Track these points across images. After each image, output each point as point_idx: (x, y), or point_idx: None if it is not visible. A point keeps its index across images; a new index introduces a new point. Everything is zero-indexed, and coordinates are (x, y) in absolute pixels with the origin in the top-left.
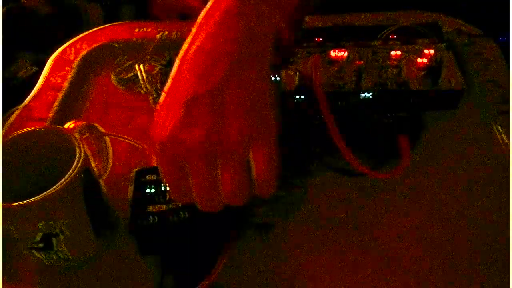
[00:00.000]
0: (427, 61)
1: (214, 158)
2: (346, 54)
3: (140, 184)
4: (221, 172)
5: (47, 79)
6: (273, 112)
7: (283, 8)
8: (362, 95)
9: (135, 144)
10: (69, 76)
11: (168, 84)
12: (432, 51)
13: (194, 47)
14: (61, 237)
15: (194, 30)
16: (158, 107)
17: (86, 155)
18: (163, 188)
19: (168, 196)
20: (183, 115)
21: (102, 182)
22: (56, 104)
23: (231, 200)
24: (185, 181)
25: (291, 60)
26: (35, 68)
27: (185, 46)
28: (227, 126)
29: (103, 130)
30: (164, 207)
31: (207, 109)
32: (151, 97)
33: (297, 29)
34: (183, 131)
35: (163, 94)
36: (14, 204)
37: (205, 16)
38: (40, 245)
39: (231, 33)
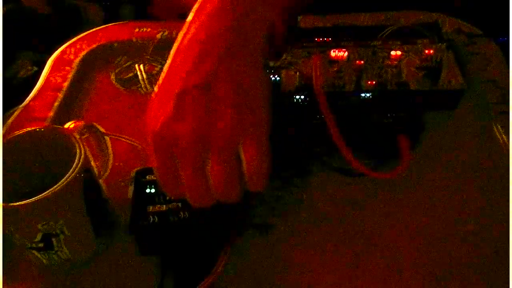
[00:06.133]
0: (427, 61)
1: (203, 150)
2: (346, 54)
3: (140, 184)
4: (211, 165)
5: (47, 79)
6: (265, 105)
7: (277, 0)
8: (362, 95)
9: (135, 144)
10: (69, 76)
11: (162, 76)
12: (432, 51)
13: (186, 40)
14: (61, 237)
15: (187, 22)
16: (151, 99)
17: (86, 155)
18: None
19: (168, 196)
20: (174, 107)
21: (102, 182)
22: (56, 104)
23: (222, 194)
24: (176, 174)
25: (283, 56)
26: (35, 68)
27: (178, 39)
28: (217, 119)
29: (103, 130)
30: (164, 207)
31: (198, 102)
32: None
33: (291, 24)
34: (174, 124)
35: (156, 86)
36: (14, 204)
37: (198, 9)
38: (40, 245)
39: (223, 25)
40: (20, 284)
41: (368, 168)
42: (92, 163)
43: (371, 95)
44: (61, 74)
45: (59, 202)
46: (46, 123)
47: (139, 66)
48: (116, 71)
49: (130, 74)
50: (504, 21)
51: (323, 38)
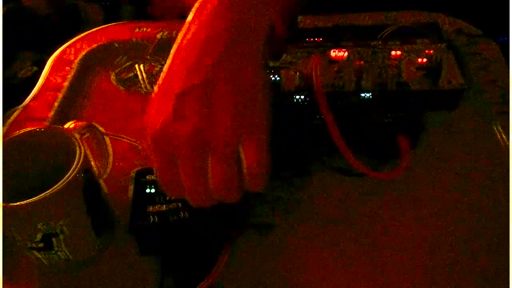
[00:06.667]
0: (427, 61)
1: (203, 151)
2: (346, 54)
3: (140, 184)
4: (211, 165)
5: (47, 79)
6: (264, 105)
7: (277, 0)
8: (362, 95)
9: (135, 144)
10: (69, 76)
11: (161, 76)
12: (432, 51)
13: (186, 40)
14: (61, 237)
15: (187, 23)
16: (151, 99)
17: (86, 155)
18: None
19: (168, 196)
20: (173, 108)
21: (102, 182)
22: (56, 104)
23: (221, 194)
24: (176, 174)
25: (283, 56)
26: (35, 68)
27: (178, 39)
28: (216, 119)
29: (103, 130)
30: (164, 207)
31: (197, 102)
32: None
33: (291, 24)
34: (173, 124)
35: (156, 86)
36: (14, 204)
37: (197, 9)
38: (40, 245)
39: (223, 25)
40: (20, 284)
41: (368, 168)
42: (92, 163)
43: (371, 95)
44: (61, 74)
45: (59, 202)
46: (46, 123)
47: (139, 66)
48: (116, 71)
49: (130, 74)
50: (504, 21)
51: (323, 38)
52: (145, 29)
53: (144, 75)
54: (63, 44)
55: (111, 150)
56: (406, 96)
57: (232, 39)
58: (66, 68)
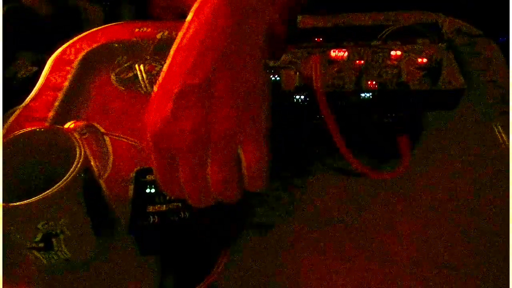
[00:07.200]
0: (427, 61)
1: (203, 151)
2: (346, 54)
3: (140, 184)
4: (210, 165)
5: (47, 79)
6: (264, 105)
7: (277, 0)
8: (362, 95)
9: (135, 144)
10: (69, 76)
11: (161, 75)
12: (432, 51)
13: (185, 40)
14: (61, 237)
15: (187, 22)
16: (151, 98)
17: (86, 155)
18: None
19: (168, 196)
20: (172, 107)
21: (102, 182)
22: (56, 104)
23: (221, 194)
24: (175, 174)
25: (283, 56)
26: (35, 68)
27: (178, 39)
28: (216, 119)
29: (103, 130)
30: (164, 207)
31: (196, 102)
32: None
33: (291, 24)
34: (173, 124)
35: (156, 86)
36: (14, 204)
37: (197, 8)
38: (40, 245)
39: (222, 24)
40: (20, 284)
41: (368, 168)
42: (92, 163)
43: (371, 95)
44: (61, 74)
45: (59, 202)
46: (46, 123)
47: (139, 66)
48: (116, 71)
49: (130, 74)
50: (504, 21)
51: (323, 38)
52: (145, 29)
53: (144, 75)
54: (63, 44)
55: (111, 150)
56: (406, 96)
57: (231, 38)
58: (66, 68)
